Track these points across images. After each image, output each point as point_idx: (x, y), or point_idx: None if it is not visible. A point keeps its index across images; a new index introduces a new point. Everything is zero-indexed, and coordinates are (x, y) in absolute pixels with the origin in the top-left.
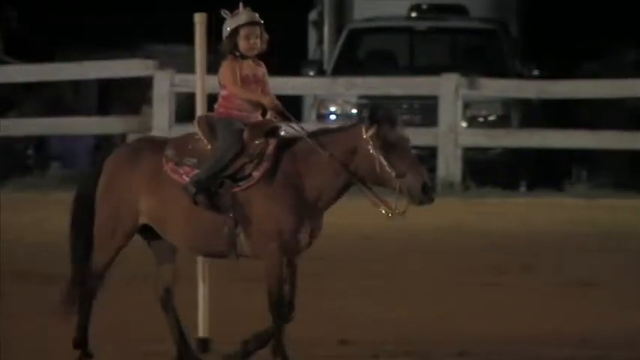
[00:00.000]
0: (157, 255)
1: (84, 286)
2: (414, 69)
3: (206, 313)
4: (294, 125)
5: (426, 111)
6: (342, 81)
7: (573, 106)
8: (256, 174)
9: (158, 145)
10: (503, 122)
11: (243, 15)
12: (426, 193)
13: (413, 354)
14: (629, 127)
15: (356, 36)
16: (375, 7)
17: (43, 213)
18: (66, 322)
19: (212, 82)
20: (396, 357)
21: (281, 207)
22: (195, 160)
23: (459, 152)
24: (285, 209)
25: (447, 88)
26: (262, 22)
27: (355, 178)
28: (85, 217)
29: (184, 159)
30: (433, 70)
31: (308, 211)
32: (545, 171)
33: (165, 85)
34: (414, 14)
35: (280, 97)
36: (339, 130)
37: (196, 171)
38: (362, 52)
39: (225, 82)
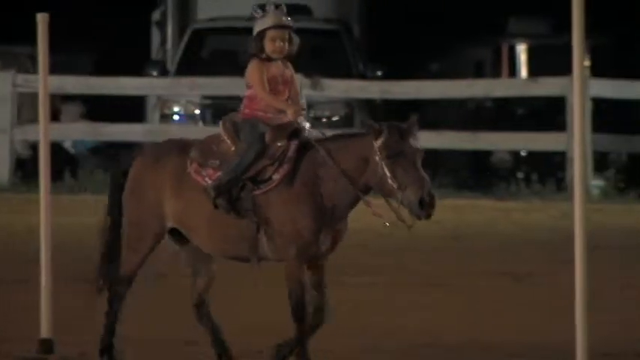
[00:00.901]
0: (190, 260)
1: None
2: None
3: (48, 314)
4: (315, 130)
5: None
6: (185, 81)
7: (417, 106)
8: (276, 177)
9: (184, 146)
10: (346, 123)
11: (270, 17)
12: (422, 209)
13: None
14: (471, 127)
15: (199, 36)
16: (218, 7)
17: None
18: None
19: (56, 83)
20: None
21: (300, 210)
22: (218, 162)
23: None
24: (304, 213)
25: None
26: (292, 24)
27: (363, 187)
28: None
29: (208, 161)
30: None
31: (327, 214)
32: None
33: (6, 85)
34: None
35: (123, 98)
36: (352, 137)
37: (219, 173)
38: (206, 52)
39: (253, 84)
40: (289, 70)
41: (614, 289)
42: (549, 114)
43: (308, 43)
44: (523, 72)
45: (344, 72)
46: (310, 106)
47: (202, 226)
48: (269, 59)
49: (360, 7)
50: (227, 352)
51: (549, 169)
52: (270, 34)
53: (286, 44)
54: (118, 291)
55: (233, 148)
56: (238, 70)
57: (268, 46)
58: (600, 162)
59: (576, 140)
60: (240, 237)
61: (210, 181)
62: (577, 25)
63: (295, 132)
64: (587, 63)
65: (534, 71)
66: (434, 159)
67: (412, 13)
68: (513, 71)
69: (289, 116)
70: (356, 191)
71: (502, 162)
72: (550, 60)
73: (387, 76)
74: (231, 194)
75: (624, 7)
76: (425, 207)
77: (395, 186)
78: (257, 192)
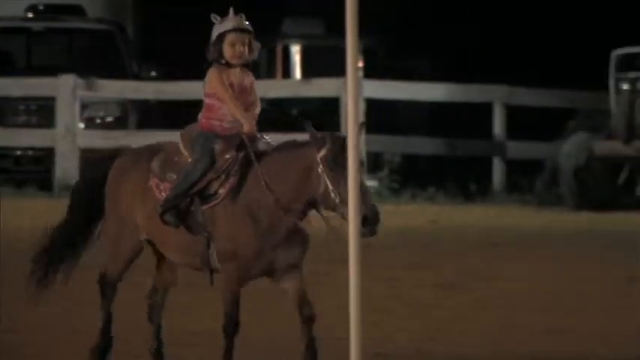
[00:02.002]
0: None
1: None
2: (32, 70)
3: None
4: (265, 139)
5: (44, 112)
6: None
7: (194, 107)
8: (222, 191)
9: (154, 153)
10: (120, 123)
11: (230, 21)
12: (365, 226)
13: None
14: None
15: None
16: None
17: None
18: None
19: None
20: None
21: (241, 227)
22: (174, 176)
23: (77, 153)
24: (245, 230)
25: (65, 89)
26: (252, 29)
27: (308, 200)
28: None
29: (167, 174)
30: (51, 70)
31: (273, 230)
32: None
33: None
34: (30, 15)
35: None
36: (295, 147)
37: None
38: None
39: (212, 91)
40: (249, 78)
41: (381, 287)
42: (323, 114)
43: (82, 43)
44: (297, 73)
45: (118, 72)
46: (84, 106)
47: (166, 240)
48: (228, 65)
49: (134, 7)
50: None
51: None
52: (229, 38)
53: (246, 49)
54: (106, 293)
55: (190, 161)
56: (12, 70)
57: (227, 51)
58: (374, 163)
59: (350, 141)
60: (194, 250)
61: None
62: (351, 26)
63: (243, 143)
64: (360, 64)
65: (308, 72)
66: None
67: (188, 13)
68: (287, 72)
69: (245, 129)
70: (301, 205)
71: None
72: (324, 61)
73: (163, 77)
74: (179, 209)
75: (396, 10)
76: (368, 224)
77: (337, 200)
78: (205, 207)
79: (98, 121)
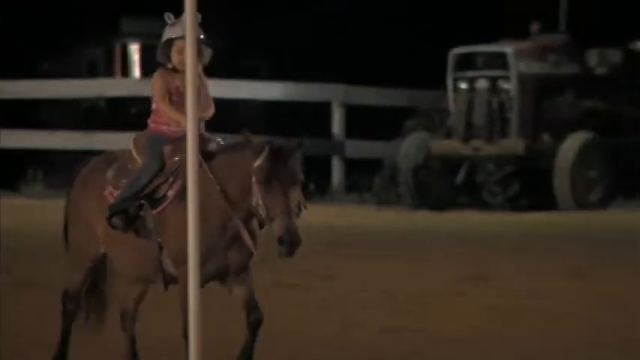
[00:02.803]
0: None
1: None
2: None
3: None
4: (216, 140)
5: None
6: None
7: (30, 106)
8: (170, 193)
9: (108, 164)
10: None
11: (179, 27)
12: (281, 247)
13: None
14: (84, 127)
15: None
16: None
17: None
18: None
19: None
20: None
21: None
22: (126, 182)
23: None
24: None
25: None
26: (201, 35)
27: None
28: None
29: (120, 182)
30: None
31: (221, 231)
32: None
33: None
34: None
35: None
36: (236, 151)
37: None
38: None
39: (153, 96)
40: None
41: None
42: None
43: None
44: (136, 72)
45: None
46: None
47: (117, 250)
48: (175, 70)
49: None
50: None
51: None
52: (177, 45)
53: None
54: (67, 309)
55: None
56: None
57: (175, 57)
58: None
59: (189, 143)
60: (148, 258)
61: None
62: (190, 25)
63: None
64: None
65: (148, 71)
66: (46, 160)
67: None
68: (126, 71)
69: (184, 125)
70: (244, 207)
71: None
72: None
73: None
74: (128, 213)
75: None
76: (284, 245)
77: (263, 215)
78: (154, 211)
79: None
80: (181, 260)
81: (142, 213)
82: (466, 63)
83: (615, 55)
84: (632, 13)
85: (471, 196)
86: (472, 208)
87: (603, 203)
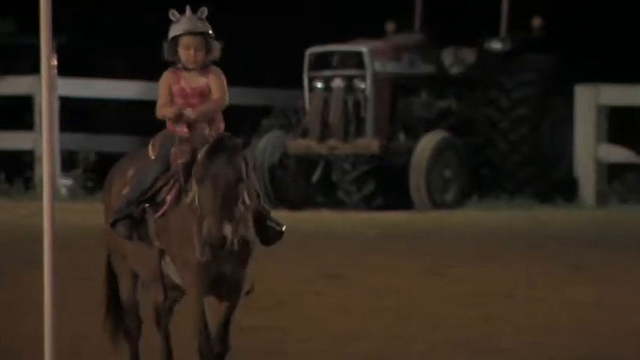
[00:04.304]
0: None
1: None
2: None
3: None
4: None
5: None
6: None
7: None
8: (169, 197)
9: (131, 163)
10: None
11: (184, 23)
12: (202, 249)
13: None
14: None
15: None
16: None
17: None
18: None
19: None
20: None
21: (189, 230)
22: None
23: None
24: (192, 232)
25: None
26: (208, 29)
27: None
28: None
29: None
30: None
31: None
32: None
33: None
34: None
35: None
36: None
37: None
38: None
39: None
40: (204, 79)
41: (78, 287)
42: (17, 112)
43: None
44: None
45: None
46: None
47: (131, 253)
48: (185, 68)
49: None
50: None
51: (18, 168)
52: (183, 41)
53: (201, 52)
54: (128, 328)
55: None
56: None
57: (182, 54)
58: (69, 161)
59: (45, 139)
60: (151, 263)
61: None
62: (44, 24)
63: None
64: (54, 62)
65: (1, 70)
66: None
67: None
68: None
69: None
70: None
71: None
72: (18, 59)
73: None
74: (132, 219)
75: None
76: (205, 249)
77: (198, 212)
78: (156, 215)
79: None
80: (182, 265)
81: (147, 217)
82: (322, 62)
83: (470, 55)
84: (486, 13)
85: (326, 195)
86: (328, 207)
87: (458, 202)
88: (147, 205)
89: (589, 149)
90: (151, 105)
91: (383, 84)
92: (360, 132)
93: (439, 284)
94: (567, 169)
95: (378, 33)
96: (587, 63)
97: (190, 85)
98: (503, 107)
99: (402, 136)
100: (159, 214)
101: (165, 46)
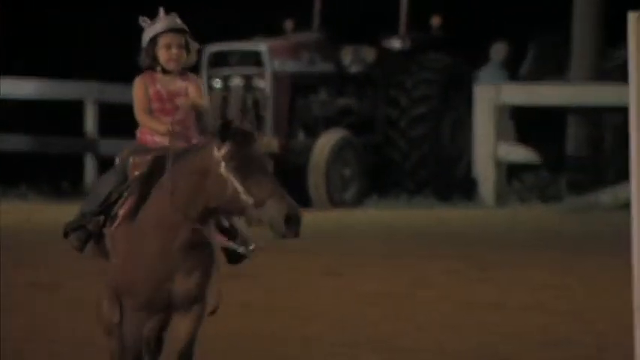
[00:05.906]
0: None
1: None
2: None
3: None
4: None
5: None
6: None
7: None
8: (121, 212)
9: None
10: None
11: (161, 22)
12: (289, 226)
13: None
14: None
15: None
16: None
17: None
18: None
19: None
20: None
21: (133, 251)
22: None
23: None
24: (137, 255)
25: None
26: (186, 29)
27: (203, 212)
28: None
29: None
30: None
31: (170, 252)
32: None
33: None
34: None
35: None
36: (192, 150)
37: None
38: None
39: (134, 105)
40: (184, 83)
41: None
42: None
43: None
44: None
45: None
46: None
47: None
48: (164, 71)
49: None
50: None
51: None
52: (163, 40)
53: (183, 51)
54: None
55: None
56: None
57: (162, 55)
58: None
59: None
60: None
61: None
62: None
63: (158, 158)
64: None
65: None
66: None
67: None
68: None
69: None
70: (199, 212)
71: None
72: None
73: None
74: (87, 231)
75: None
76: (292, 224)
77: (250, 202)
78: (110, 229)
79: None
80: (124, 290)
81: (104, 231)
82: (220, 61)
83: (369, 54)
84: (385, 12)
85: None
86: None
87: (358, 201)
88: (101, 218)
89: (488, 149)
90: (48, 104)
91: (282, 83)
92: (259, 131)
93: (339, 284)
94: (467, 168)
95: (276, 31)
96: (484, 62)
97: (167, 88)
98: (402, 106)
99: (301, 135)
100: (112, 227)
101: (142, 51)
